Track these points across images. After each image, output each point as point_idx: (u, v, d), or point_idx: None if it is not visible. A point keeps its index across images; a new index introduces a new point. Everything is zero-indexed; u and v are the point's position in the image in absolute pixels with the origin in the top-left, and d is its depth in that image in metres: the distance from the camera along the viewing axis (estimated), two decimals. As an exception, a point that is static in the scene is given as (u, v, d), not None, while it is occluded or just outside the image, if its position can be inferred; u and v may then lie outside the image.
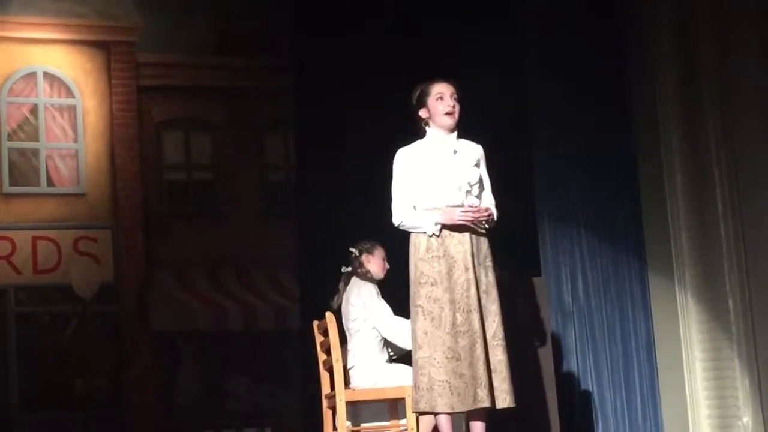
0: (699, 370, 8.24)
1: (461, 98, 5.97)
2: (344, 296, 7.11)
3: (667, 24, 8.49)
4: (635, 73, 8.68)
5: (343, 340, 7.02)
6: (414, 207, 5.91)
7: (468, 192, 5.89)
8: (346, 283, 7.15)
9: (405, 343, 6.52)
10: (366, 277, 7.07)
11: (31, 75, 12.01)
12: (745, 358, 7.82)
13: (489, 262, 5.90)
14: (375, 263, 7.11)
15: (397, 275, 6.50)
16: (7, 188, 11.83)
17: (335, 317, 6.90)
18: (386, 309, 6.95)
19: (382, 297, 7.05)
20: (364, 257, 7.12)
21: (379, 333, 6.98)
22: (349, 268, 7.16)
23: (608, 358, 8.40)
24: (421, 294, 5.81)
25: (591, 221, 8.53)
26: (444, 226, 5.82)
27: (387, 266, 7.11)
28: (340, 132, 8.81)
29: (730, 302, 7.91)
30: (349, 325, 7.05)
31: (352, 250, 7.15)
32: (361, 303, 6.98)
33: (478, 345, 5.72)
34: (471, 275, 5.78)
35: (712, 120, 8.08)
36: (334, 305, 7.12)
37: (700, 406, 8.20)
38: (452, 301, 5.76)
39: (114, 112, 12.24)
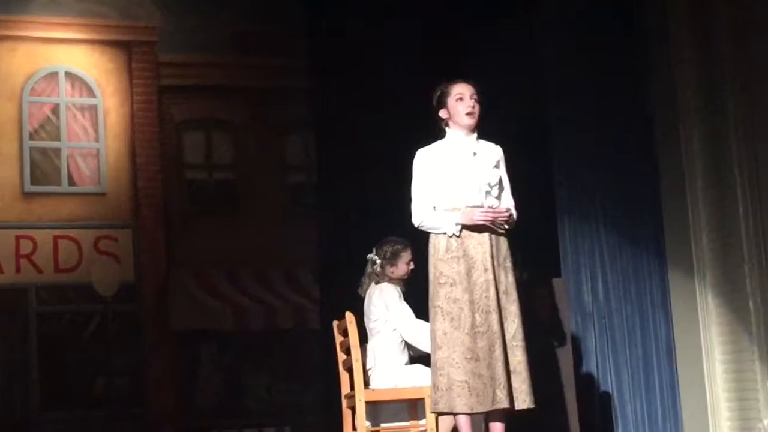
0: (719, 372, 8.21)
1: (481, 99, 5.97)
2: (367, 294, 7.09)
3: (687, 22, 8.47)
4: (655, 71, 8.66)
5: (364, 338, 7.01)
6: (434, 208, 5.91)
7: (487, 193, 5.89)
8: (373, 270, 7.12)
9: (426, 347, 6.50)
10: (389, 281, 7.05)
11: (53, 75, 12.06)
12: (766, 360, 7.78)
13: (508, 263, 5.90)
14: (399, 269, 7.07)
15: (420, 276, 6.49)
16: (29, 187, 11.88)
17: (359, 315, 6.89)
18: (408, 312, 6.93)
19: (405, 297, 7.05)
20: (387, 267, 7.07)
21: (401, 335, 6.97)
22: (374, 256, 7.11)
23: (628, 359, 8.38)
24: (440, 294, 5.81)
25: (611, 222, 8.52)
26: (464, 227, 5.82)
27: (412, 266, 7.06)
28: (360, 132, 8.81)
29: (751, 304, 7.89)
30: (371, 325, 7.05)
31: (376, 260, 7.10)
32: (383, 304, 6.97)
33: (497, 346, 5.72)
34: (490, 276, 5.78)
35: (734, 120, 8.05)
36: (362, 293, 7.11)
37: (720, 408, 8.17)
38: (471, 302, 5.75)
39: (135, 112, 12.28)
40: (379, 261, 7.06)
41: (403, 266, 7.07)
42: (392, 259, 7.05)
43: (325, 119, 9.26)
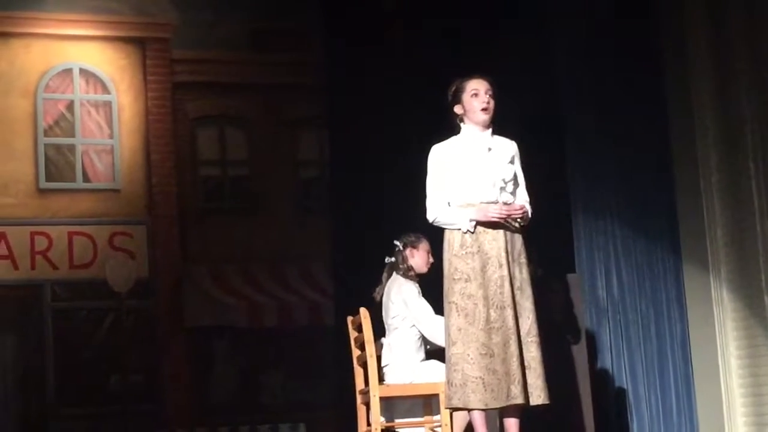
0: (734, 367, 8.20)
1: (496, 95, 5.97)
2: (385, 289, 7.10)
3: (702, 19, 8.46)
4: (670, 66, 8.65)
5: (380, 333, 7.02)
6: (448, 203, 5.91)
7: (502, 189, 5.89)
8: (389, 275, 7.13)
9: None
10: (407, 275, 7.05)
11: (68, 71, 12.07)
12: (781, 355, 7.78)
13: (523, 259, 5.90)
14: (419, 257, 7.08)
15: (435, 272, 6.49)
16: (44, 184, 11.89)
17: (373, 311, 6.89)
18: (427, 308, 6.92)
19: (423, 293, 7.03)
20: (408, 251, 7.09)
21: (419, 331, 6.97)
22: (393, 259, 7.13)
23: (643, 354, 8.38)
24: (455, 290, 5.82)
25: (626, 217, 8.51)
26: (478, 223, 5.82)
27: (431, 260, 7.06)
28: (373, 128, 8.82)
29: (766, 298, 7.87)
30: (388, 321, 7.05)
31: (397, 243, 7.13)
32: (401, 301, 6.96)
33: (511, 341, 5.72)
34: (505, 272, 5.79)
35: (749, 115, 8.04)
36: (377, 297, 7.11)
37: (735, 403, 8.16)
38: (486, 298, 5.76)
39: (149, 108, 12.27)
40: (401, 245, 7.08)
41: (423, 254, 7.08)
42: (415, 243, 7.08)
43: (339, 116, 9.28)
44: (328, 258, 10.23)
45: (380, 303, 7.11)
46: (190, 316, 12.05)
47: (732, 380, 8.19)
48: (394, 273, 7.10)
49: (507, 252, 5.82)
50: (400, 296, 6.98)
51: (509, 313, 5.75)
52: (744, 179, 8.05)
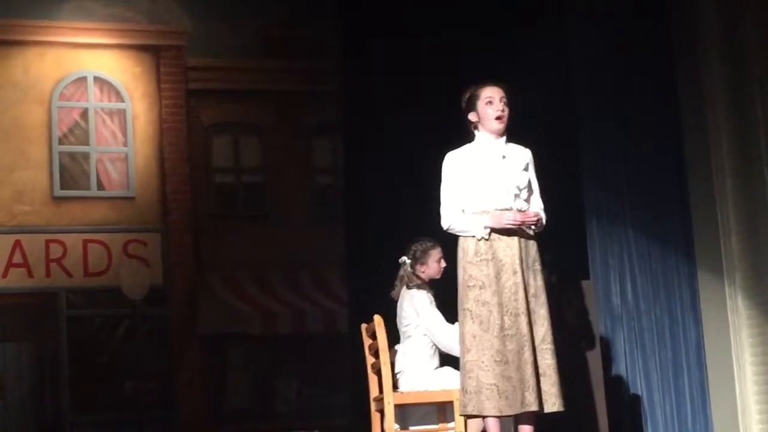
0: (749, 374, 8.18)
1: (511, 102, 5.97)
2: (399, 297, 7.08)
3: (715, 23, 8.45)
4: (684, 73, 8.64)
5: (395, 340, 7.01)
6: (463, 210, 5.91)
7: (516, 196, 5.89)
8: (405, 274, 7.10)
9: (458, 351, 6.49)
10: (420, 287, 7.02)
11: (82, 79, 12.10)
12: (796, 362, 7.76)
13: (537, 266, 5.90)
14: (430, 268, 7.04)
15: (450, 279, 6.47)
16: (58, 192, 11.93)
17: (387, 318, 6.88)
18: (439, 318, 6.89)
19: (436, 299, 7.01)
20: (417, 267, 7.06)
21: (432, 340, 6.95)
22: (407, 259, 7.08)
23: (657, 361, 8.36)
24: (469, 297, 5.82)
25: (640, 224, 8.50)
26: (493, 230, 5.82)
27: (444, 265, 7.03)
28: (387, 134, 8.83)
29: (781, 306, 7.86)
30: (402, 328, 7.04)
31: (406, 260, 7.08)
32: (413, 310, 6.94)
33: (526, 348, 5.72)
34: (519, 279, 5.78)
35: (763, 121, 8.03)
36: (395, 296, 7.10)
37: (750, 410, 8.14)
38: (500, 305, 5.75)
39: (163, 116, 12.31)
40: (409, 262, 7.05)
41: (434, 265, 7.04)
42: (422, 257, 7.04)
43: (352, 121, 9.28)
44: (342, 265, 10.24)
45: (395, 309, 7.10)
46: (205, 323, 12.07)
47: (747, 387, 8.17)
48: (405, 287, 7.06)
49: (521, 259, 5.82)
50: (412, 306, 6.96)
51: (523, 320, 5.75)
52: (758, 186, 8.04)
